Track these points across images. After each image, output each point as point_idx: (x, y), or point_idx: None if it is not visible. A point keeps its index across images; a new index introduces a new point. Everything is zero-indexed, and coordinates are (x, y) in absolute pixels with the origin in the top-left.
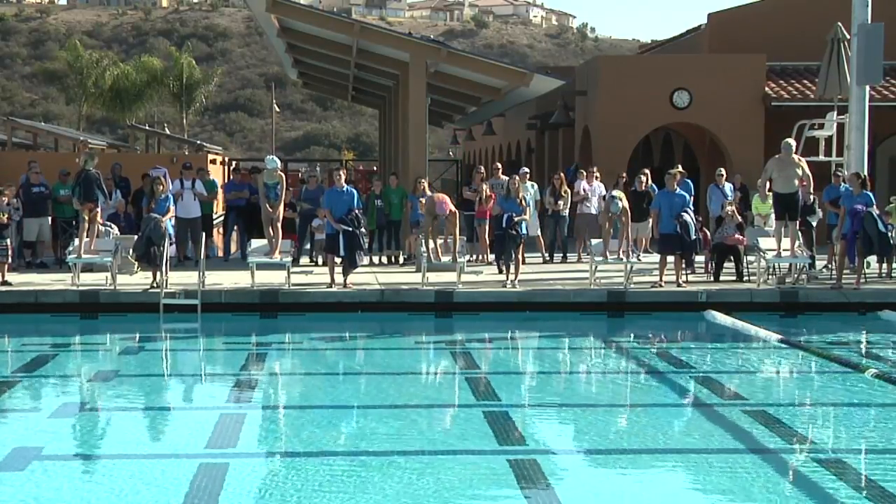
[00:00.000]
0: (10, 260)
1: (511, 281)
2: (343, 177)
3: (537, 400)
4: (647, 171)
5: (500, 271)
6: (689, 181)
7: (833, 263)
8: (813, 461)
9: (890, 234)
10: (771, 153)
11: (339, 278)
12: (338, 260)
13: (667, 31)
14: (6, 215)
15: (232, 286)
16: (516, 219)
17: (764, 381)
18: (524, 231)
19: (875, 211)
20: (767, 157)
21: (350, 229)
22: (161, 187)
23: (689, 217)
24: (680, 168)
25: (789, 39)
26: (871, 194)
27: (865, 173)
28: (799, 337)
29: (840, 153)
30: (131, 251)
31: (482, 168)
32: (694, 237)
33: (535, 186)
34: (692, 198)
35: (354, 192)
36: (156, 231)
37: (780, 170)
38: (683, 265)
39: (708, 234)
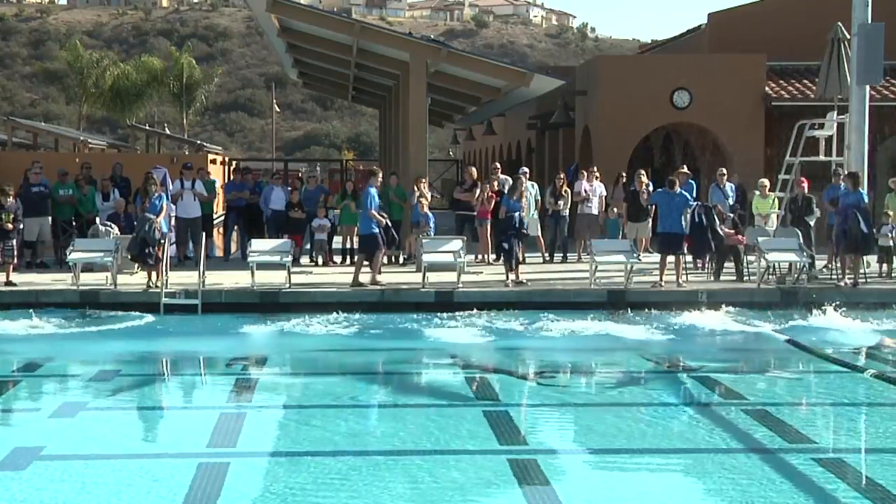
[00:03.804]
0: (15, 260)
1: (513, 280)
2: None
3: (537, 399)
4: (642, 171)
5: (511, 269)
6: (692, 182)
7: (833, 263)
8: (813, 461)
9: (890, 234)
10: (771, 153)
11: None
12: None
13: (667, 31)
14: (11, 217)
15: (232, 286)
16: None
17: (763, 381)
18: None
19: (863, 209)
20: (767, 157)
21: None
22: (154, 186)
23: (707, 208)
24: (685, 169)
25: (789, 39)
26: (864, 193)
27: (865, 173)
28: (798, 336)
29: (840, 153)
30: (127, 252)
31: (473, 168)
32: (715, 226)
33: (536, 186)
34: (694, 198)
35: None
36: (150, 232)
37: None
38: (685, 266)
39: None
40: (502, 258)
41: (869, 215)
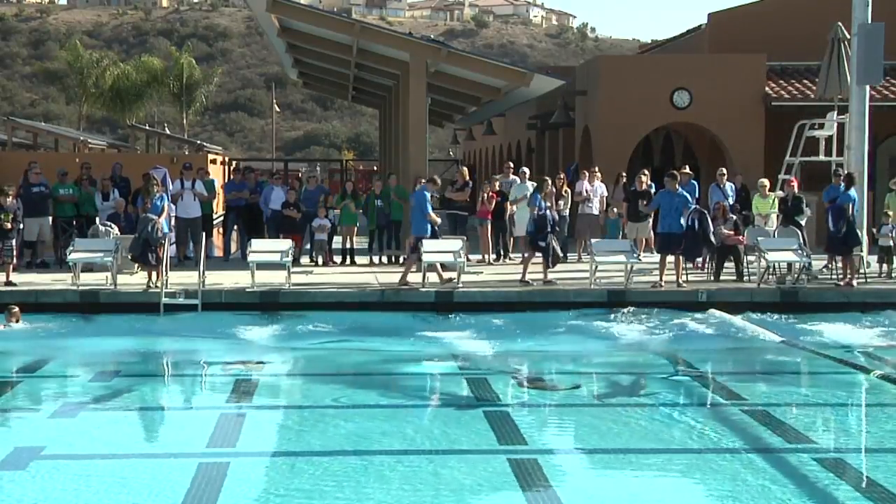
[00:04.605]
0: (15, 260)
1: (543, 279)
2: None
3: (537, 400)
4: (646, 171)
5: (548, 267)
6: (693, 182)
7: (833, 263)
8: (814, 461)
9: (890, 234)
10: (771, 153)
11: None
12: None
13: (667, 31)
14: (10, 216)
15: (232, 286)
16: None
17: (764, 382)
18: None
19: (846, 210)
20: (767, 157)
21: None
22: (156, 187)
23: (702, 213)
24: (686, 169)
25: (789, 39)
26: (852, 195)
27: (865, 173)
28: (799, 337)
29: (840, 153)
30: (129, 253)
31: (465, 168)
32: (710, 233)
33: (535, 186)
34: (695, 198)
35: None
36: (152, 232)
37: None
38: (685, 266)
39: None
40: (541, 256)
41: (844, 214)
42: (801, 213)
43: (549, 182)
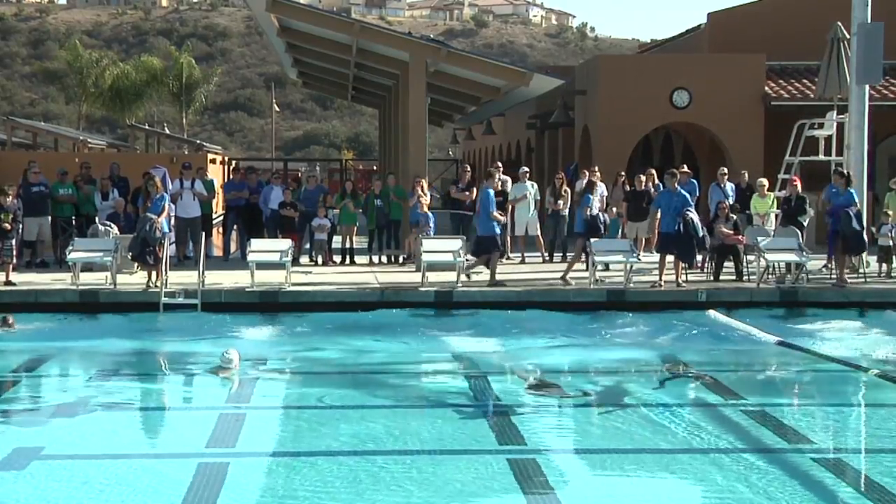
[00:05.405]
0: (14, 260)
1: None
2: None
3: (537, 400)
4: (653, 171)
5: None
6: (693, 181)
7: (832, 263)
8: (813, 461)
9: (890, 234)
10: (771, 153)
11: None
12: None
13: (667, 31)
14: (10, 216)
15: (232, 286)
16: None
17: (763, 382)
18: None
19: (854, 209)
20: (767, 157)
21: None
22: (156, 187)
23: (693, 215)
24: (685, 168)
25: (789, 39)
26: (854, 193)
27: (865, 173)
28: (799, 337)
29: (840, 153)
30: (128, 252)
31: (468, 167)
32: (699, 235)
33: (536, 186)
34: (696, 197)
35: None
36: (151, 232)
37: None
38: (685, 265)
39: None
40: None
41: (860, 214)
42: (803, 212)
43: (599, 184)
